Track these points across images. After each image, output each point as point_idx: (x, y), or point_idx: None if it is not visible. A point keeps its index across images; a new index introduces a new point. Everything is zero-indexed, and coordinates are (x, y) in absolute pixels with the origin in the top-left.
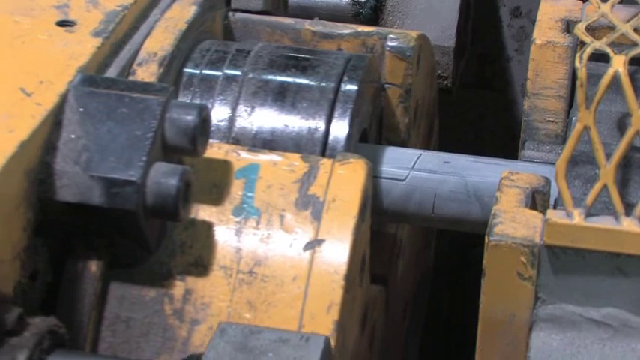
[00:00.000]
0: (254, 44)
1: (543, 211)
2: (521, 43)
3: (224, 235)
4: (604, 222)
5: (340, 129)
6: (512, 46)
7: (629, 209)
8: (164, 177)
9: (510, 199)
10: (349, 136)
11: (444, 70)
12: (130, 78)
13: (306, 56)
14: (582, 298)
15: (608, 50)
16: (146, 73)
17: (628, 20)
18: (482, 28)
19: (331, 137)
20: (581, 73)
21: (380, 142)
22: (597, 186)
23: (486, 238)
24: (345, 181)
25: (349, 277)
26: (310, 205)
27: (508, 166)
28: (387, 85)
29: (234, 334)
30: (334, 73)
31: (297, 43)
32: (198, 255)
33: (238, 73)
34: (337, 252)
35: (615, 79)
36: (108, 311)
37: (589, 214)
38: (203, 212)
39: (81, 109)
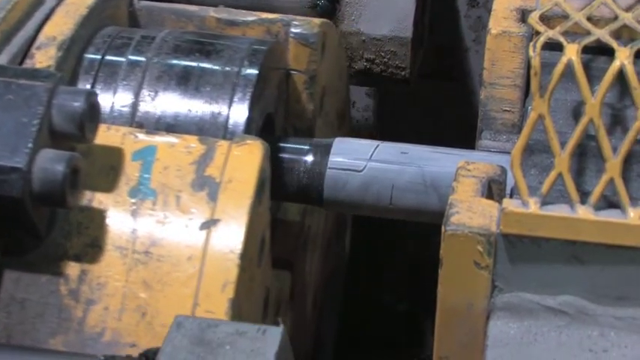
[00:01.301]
0: (160, 30)
1: (499, 200)
2: (479, 34)
3: (120, 216)
4: (559, 210)
5: (239, 113)
6: (469, 36)
7: (585, 197)
8: (50, 163)
9: (467, 188)
10: (249, 119)
11: (401, 61)
12: (29, 62)
13: (211, 41)
14: (539, 286)
15: (562, 39)
16: (45, 56)
17: (581, 9)
18: (440, 18)
19: (231, 121)
20: (535, 62)
21: (286, 128)
22: (552, 174)
23: (443, 227)
24: (242, 162)
25: (245, 257)
26: (206, 186)
27: (465, 156)
28: (292, 72)
29: (191, 327)
30: (238, 58)
31: (202, 30)
32: (94, 236)
33: (142, 58)
34: (233, 231)
35: (570, 68)
36: (3, 293)
37: (545, 203)
38: (100, 194)
39: None
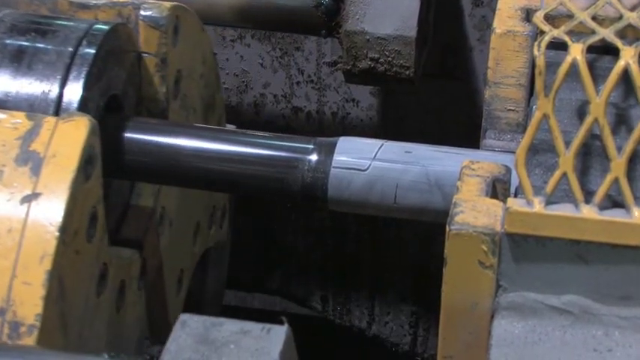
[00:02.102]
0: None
1: (504, 200)
2: (483, 33)
3: None
4: (564, 209)
5: (73, 92)
6: (474, 35)
7: (589, 197)
8: None
9: (471, 188)
10: (84, 98)
11: (405, 60)
12: None
13: (50, 21)
14: (543, 285)
15: (566, 38)
16: None
17: (586, 8)
18: (444, 17)
19: (65, 99)
20: (540, 62)
21: (140, 110)
22: (557, 174)
23: (447, 227)
24: (67, 138)
25: (67, 230)
26: (30, 161)
27: (469, 155)
28: (144, 55)
29: (196, 326)
30: (74, 38)
31: (54, 13)
32: None
33: None
34: (53, 205)
35: (575, 68)
36: None
37: (549, 202)
38: None
39: None
